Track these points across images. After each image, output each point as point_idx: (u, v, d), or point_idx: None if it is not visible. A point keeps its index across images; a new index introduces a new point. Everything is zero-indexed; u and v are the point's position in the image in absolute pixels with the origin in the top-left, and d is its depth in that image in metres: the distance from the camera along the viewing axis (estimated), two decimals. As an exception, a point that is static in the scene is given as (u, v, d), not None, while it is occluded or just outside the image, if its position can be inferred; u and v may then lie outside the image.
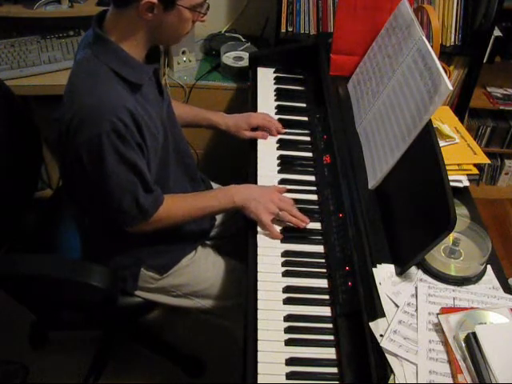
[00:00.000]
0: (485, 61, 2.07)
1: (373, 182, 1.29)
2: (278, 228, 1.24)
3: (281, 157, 1.44)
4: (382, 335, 0.99)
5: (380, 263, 1.13)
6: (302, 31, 2.04)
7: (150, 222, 1.20)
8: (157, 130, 1.17)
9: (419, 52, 1.26)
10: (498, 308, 1.04)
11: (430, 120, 1.17)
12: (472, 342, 0.96)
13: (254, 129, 1.51)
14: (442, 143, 1.29)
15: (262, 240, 1.22)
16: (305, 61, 1.75)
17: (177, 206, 1.25)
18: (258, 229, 1.24)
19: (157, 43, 1.18)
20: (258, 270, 1.15)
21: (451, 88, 1.11)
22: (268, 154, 1.45)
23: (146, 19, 1.05)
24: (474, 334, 0.97)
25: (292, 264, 1.17)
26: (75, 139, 1.06)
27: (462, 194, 1.30)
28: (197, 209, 1.27)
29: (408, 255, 1.09)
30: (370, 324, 1.00)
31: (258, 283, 1.12)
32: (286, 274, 1.15)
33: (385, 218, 1.22)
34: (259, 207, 1.24)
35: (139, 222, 1.19)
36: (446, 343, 0.99)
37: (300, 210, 1.29)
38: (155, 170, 1.22)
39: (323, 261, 1.19)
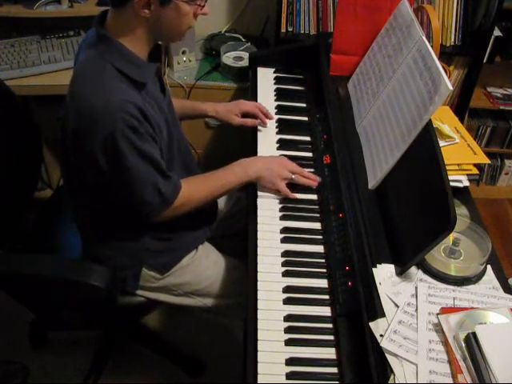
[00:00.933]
0: (485, 61, 2.07)
1: (373, 182, 1.29)
2: (278, 228, 1.25)
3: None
4: (382, 335, 0.99)
5: (380, 263, 1.13)
6: (302, 31, 2.04)
7: (172, 208, 1.21)
8: (162, 127, 1.18)
9: (419, 52, 1.26)
10: (498, 308, 1.04)
11: (430, 120, 1.17)
12: (472, 342, 0.96)
13: (245, 116, 1.52)
14: (442, 143, 1.29)
15: (262, 240, 1.22)
16: (305, 61, 1.75)
17: (196, 187, 1.27)
18: (259, 228, 1.24)
19: (159, 40, 1.18)
20: (258, 269, 1.15)
21: (451, 88, 1.11)
22: (268, 154, 1.45)
23: (145, 16, 1.05)
24: (474, 333, 0.97)
25: (292, 264, 1.17)
26: (87, 141, 1.06)
27: (462, 194, 1.30)
28: (216, 187, 1.29)
29: (408, 255, 1.09)
30: (370, 324, 0.99)
31: (258, 283, 1.12)
32: (285, 274, 1.15)
33: (385, 218, 1.22)
34: (273, 175, 1.29)
35: (162, 210, 1.20)
36: (446, 343, 0.99)
37: (300, 210, 1.30)
38: None
39: (323, 261, 1.19)
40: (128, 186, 1.12)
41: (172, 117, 1.28)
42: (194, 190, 1.25)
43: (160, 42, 1.24)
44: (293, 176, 1.31)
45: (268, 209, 1.29)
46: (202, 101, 1.57)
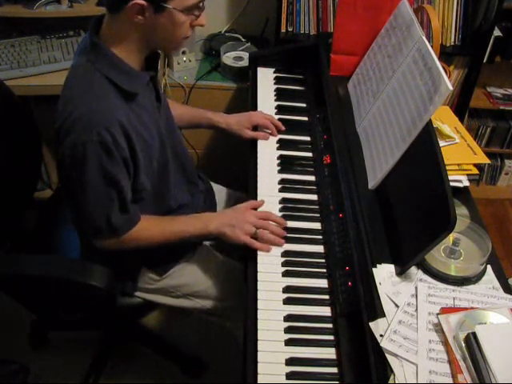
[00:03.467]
0: (485, 61, 2.07)
1: (373, 182, 1.29)
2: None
3: (281, 157, 1.44)
4: (382, 335, 0.99)
5: (380, 263, 1.13)
6: (302, 31, 2.04)
7: (119, 241, 1.18)
8: (152, 139, 1.16)
9: (419, 52, 1.26)
10: (498, 308, 1.04)
11: (430, 120, 1.17)
12: (472, 342, 0.96)
13: (255, 128, 1.51)
14: (442, 143, 1.29)
15: (262, 240, 1.22)
16: (305, 61, 1.75)
17: (150, 228, 1.22)
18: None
19: (155, 49, 1.17)
20: (258, 269, 1.15)
21: (451, 88, 1.11)
22: (268, 153, 1.45)
23: (139, 23, 1.04)
24: (474, 333, 0.97)
25: (292, 264, 1.17)
26: (63, 143, 1.05)
27: (462, 193, 1.30)
28: (170, 233, 1.24)
29: (408, 255, 1.09)
30: (370, 324, 1.00)
31: (258, 283, 1.12)
32: (285, 274, 1.15)
33: (385, 218, 1.22)
34: (235, 231, 1.21)
35: (107, 239, 1.17)
36: (446, 343, 0.99)
37: (300, 210, 1.30)
38: (156, 177, 1.22)
39: (323, 261, 1.19)
40: (81, 199, 1.10)
41: (168, 124, 1.27)
42: (147, 229, 1.21)
43: (159, 51, 1.22)
44: (257, 230, 1.21)
45: (268, 209, 1.29)
46: (207, 108, 1.56)
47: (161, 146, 1.21)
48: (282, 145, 1.49)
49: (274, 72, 1.77)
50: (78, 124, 1.03)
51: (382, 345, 0.98)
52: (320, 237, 1.24)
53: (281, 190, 1.35)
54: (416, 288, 1.09)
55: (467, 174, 1.31)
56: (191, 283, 1.40)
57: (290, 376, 0.98)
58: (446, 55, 2.02)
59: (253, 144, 1.49)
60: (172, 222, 1.26)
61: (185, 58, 2.04)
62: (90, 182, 1.07)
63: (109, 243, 1.19)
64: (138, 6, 1.01)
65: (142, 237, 1.21)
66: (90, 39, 1.08)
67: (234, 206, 1.30)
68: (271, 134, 1.50)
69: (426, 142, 1.15)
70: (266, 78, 1.74)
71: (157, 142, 1.19)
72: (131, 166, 1.12)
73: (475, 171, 1.31)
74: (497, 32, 2.04)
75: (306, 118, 1.60)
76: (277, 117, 1.57)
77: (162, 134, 1.22)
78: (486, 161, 1.33)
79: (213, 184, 1.58)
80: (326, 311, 1.09)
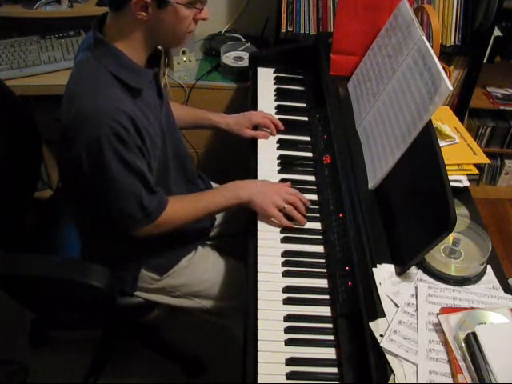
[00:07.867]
0: (485, 61, 2.07)
1: (373, 182, 1.29)
2: (278, 228, 1.25)
3: (281, 157, 1.44)
4: (382, 335, 0.99)
5: (380, 263, 1.13)
6: (302, 31, 2.04)
7: (156, 225, 1.19)
8: (155, 135, 1.17)
9: (419, 52, 1.26)
10: (498, 308, 1.04)
11: (430, 120, 1.17)
12: (472, 342, 0.96)
13: (255, 128, 1.51)
14: (442, 143, 1.29)
15: (262, 240, 1.22)
16: (305, 61, 1.75)
17: (182, 206, 1.24)
18: (258, 228, 1.24)
19: (158, 45, 1.17)
20: (258, 269, 1.15)
21: (451, 88, 1.11)
22: (268, 153, 1.45)
23: (142, 19, 1.04)
24: (474, 333, 0.97)
25: (292, 264, 1.17)
26: (74, 142, 1.05)
27: (462, 193, 1.30)
28: (202, 207, 1.26)
29: (408, 255, 1.09)
30: (370, 324, 0.99)
31: (258, 283, 1.12)
32: (285, 274, 1.15)
33: (385, 218, 1.22)
34: (265, 201, 1.23)
35: (144, 225, 1.18)
36: (446, 343, 0.99)
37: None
38: (155, 175, 1.21)
39: (323, 261, 1.19)
40: (109, 196, 1.10)
41: (168, 122, 1.27)
42: (180, 208, 1.23)
43: (159, 47, 1.22)
44: (285, 206, 1.25)
45: (268, 209, 1.29)
46: (207, 108, 1.56)
47: (162, 144, 1.21)
48: (282, 145, 1.49)
49: (274, 72, 1.77)
50: (87, 121, 1.03)
51: (382, 345, 0.98)
52: (320, 237, 1.24)
53: (281, 190, 1.35)
54: (416, 288, 1.09)
55: (467, 174, 1.31)
56: (191, 283, 1.40)
57: (289, 376, 0.98)
58: (446, 55, 2.02)
59: (253, 144, 1.49)
60: (201, 197, 1.27)
61: (185, 58, 2.04)
62: (114, 177, 1.07)
63: (147, 231, 1.19)
64: (142, 2, 1.01)
65: (177, 216, 1.22)
66: (94, 36, 1.08)
67: (265, 180, 1.31)
68: (271, 134, 1.51)
69: (426, 142, 1.15)
70: (265, 78, 1.74)
71: (159, 140, 1.19)
72: (145, 152, 1.12)
73: (475, 171, 1.31)
74: (497, 32, 2.04)
75: (306, 118, 1.60)
76: (277, 117, 1.57)
77: (164, 132, 1.22)
78: (486, 161, 1.33)
79: (213, 184, 1.59)
80: (326, 311, 1.09)
